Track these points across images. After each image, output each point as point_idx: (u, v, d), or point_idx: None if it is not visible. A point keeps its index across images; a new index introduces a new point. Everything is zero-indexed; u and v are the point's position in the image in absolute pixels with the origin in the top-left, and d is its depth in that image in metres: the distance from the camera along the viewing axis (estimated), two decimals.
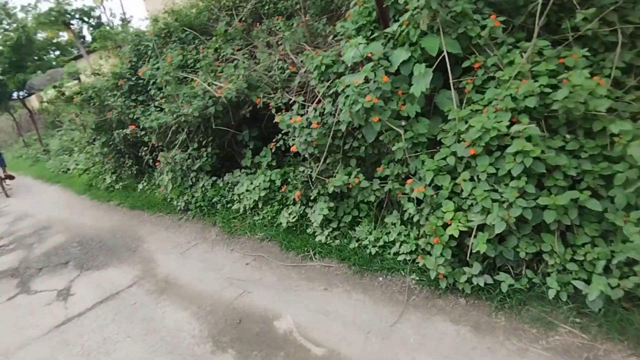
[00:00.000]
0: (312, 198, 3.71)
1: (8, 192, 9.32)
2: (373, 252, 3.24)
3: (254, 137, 4.97)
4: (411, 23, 2.89)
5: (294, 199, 3.90)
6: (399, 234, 3.17)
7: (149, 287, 3.78)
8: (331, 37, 3.97)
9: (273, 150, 4.41)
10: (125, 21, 14.32)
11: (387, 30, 3.16)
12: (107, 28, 8.91)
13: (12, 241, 5.94)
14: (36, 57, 19.49)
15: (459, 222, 2.54)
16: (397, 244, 3.15)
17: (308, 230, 3.80)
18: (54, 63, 19.06)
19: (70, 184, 8.58)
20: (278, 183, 4.26)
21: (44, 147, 13.48)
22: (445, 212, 2.63)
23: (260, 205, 4.40)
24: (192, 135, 5.14)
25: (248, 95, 4.31)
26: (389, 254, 3.19)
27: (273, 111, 3.98)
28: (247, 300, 3.26)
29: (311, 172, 3.65)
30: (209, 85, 4.45)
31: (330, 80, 3.51)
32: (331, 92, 3.39)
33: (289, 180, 4.07)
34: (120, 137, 5.59)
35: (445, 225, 2.64)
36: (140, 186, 6.28)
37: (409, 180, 2.88)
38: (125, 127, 5.75)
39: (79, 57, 16.89)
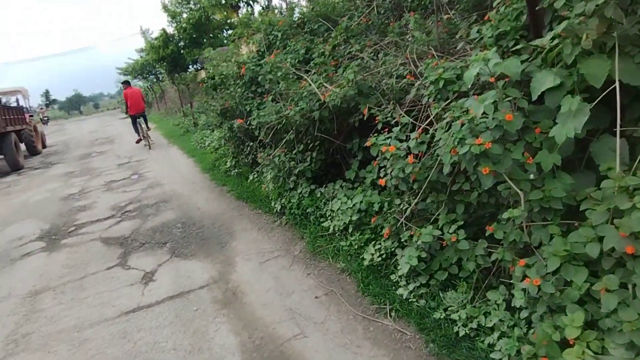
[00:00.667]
0: (402, 240, 3.12)
1: (151, 146, 12.47)
2: (462, 332, 2.54)
3: (365, 148, 4.53)
4: (569, 36, 2.07)
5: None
6: (501, 320, 2.40)
7: (216, 295, 3.70)
8: (463, 43, 3.25)
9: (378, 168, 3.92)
10: (267, 7, 14.99)
11: (536, 42, 2.37)
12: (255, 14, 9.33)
13: (137, 208, 6.65)
14: (212, 35, 21.85)
15: (588, 346, 1.72)
16: (496, 334, 2.39)
17: (392, 276, 3.23)
18: (225, 41, 21.30)
19: (202, 159, 9.37)
20: (376, 208, 3.75)
21: (194, 120, 15.13)
22: (568, 324, 1.82)
23: (350, 230, 3.96)
24: (301, 135, 4.94)
25: (358, 102, 3.87)
26: (482, 342, 2.45)
27: (379, 126, 3.47)
28: (298, 345, 2.89)
29: (407, 208, 3.06)
30: (318, 86, 4.14)
31: (448, 100, 2.85)
32: (446, 115, 2.73)
33: (384, 209, 3.53)
34: (234, 126, 5.72)
35: (565, 343, 1.84)
36: (250, 177, 6.42)
37: (522, 261, 2.10)
38: (241, 117, 5.88)
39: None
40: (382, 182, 2.77)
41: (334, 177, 4.85)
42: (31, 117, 16.39)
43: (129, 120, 13.56)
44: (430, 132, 2.73)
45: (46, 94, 79.78)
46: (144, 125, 12.69)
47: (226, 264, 4.29)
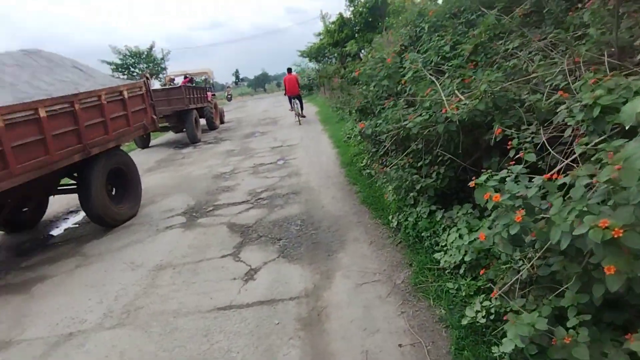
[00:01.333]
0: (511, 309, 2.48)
1: (300, 121, 15.77)
2: None
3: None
4: None
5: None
6: None
7: (302, 312, 3.60)
8: None
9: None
10: None
11: None
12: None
13: (269, 197, 7.03)
14: (386, 19, 21.74)
15: None
16: None
17: (494, 349, 2.62)
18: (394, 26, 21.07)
19: (344, 152, 9.43)
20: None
21: (350, 108, 15.35)
22: None
23: (462, 271, 3.39)
24: (431, 146, 4.44)
25: (493, 118, 3.23)
26: None
27: (511, 154, 2.81)
28: None
29: (523, 267, 2.41)
30: (449, 94, 3.59)
31: (603, 136, 2.09)
32: (595, 157, 2.00)
33: (500, 260, 2.88)
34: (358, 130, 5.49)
35: None
36: (378, 182, 6.14)
37: None
38: (371, 118, 5.60)
39: None
40: (482, 236, 2.20)
41: (463, 199, 4.24)
42: (213, 96, 18.95)
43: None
44: (563, 180, 2.04)
45: (236, 72, 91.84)
46: (297, 106, 16.22)
47: (325, 277, 4.16)
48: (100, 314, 4.05)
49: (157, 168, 11.10)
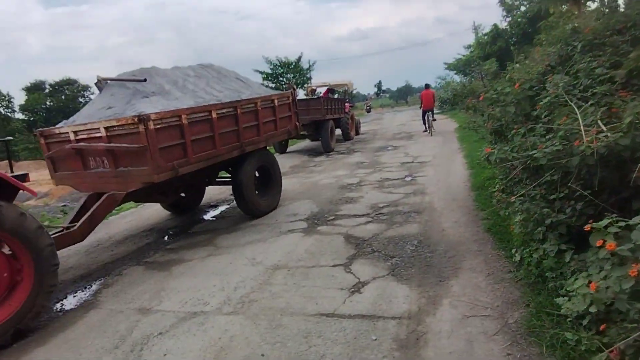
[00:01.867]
0: None
1: (432, 133, 17.59)
2: None
3: None
4: None
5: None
6: None
7: (400, 333, 3.65)
8: None
9: None
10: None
11: None
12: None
13: (390, 212, 7.13)
14: (537, 36, 20.42)
15: None
16: None
17: None
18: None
19: (478, 174, 9.04)
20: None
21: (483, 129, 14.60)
22: None
23: (585, 322, 3.09)
24: (570, 178, 4.11)
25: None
26: None
27: None
28: None
29: None
30: (591, 124, 3.31)
31: None
32: None
33: (629, 314, 2.57)
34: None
35: None
36: (501, 212, 5.81)
37: None
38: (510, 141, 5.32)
39: None
40: (592, 286, 2.02)
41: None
42: (351, 107, 19.70)
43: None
44: None
45: (378, 84, 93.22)
46: (430, 118, 18.07)
47: (431, 302, 4.13)
48: (220, 299, 4.62)
49: (289, 173, 12.00)
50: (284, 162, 13.85)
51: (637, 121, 2.80)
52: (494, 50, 31.94)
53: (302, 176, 11.34)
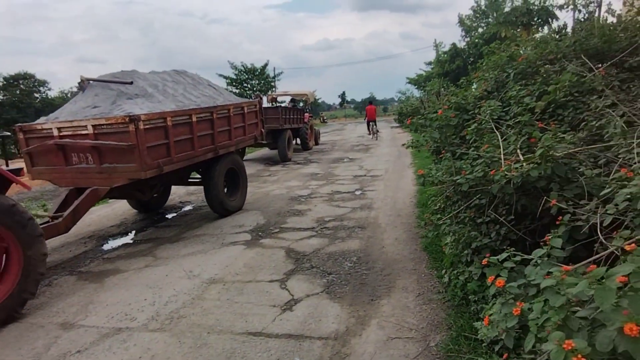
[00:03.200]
0: None
1: (377, 137, 22.43)
2: None
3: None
4: None
5: None
6: None
7: (323, 356, 3.59)
8: None
9: None
10: (564, 27, 12.78)
11: None
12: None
13: (334, 227, 7.11)
14: (479, 61, 21.26)
15: None
16: None
17: None
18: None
19: (424, 191, 9.19)
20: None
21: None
22: None
23: (497, 348, 3.13)
24: (496, 201, 4.21)
25: (552, 187, 2.99)
26: None
27: (560, 230, 2.58)
28: None
29: None
30: (511, 152, 3.40)
31: None
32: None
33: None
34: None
35: None
36: (443, 226, 5.91)
37: None
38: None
39: None
40: (485, 320, 2.04)
41: (522, 247, 3.93)
42: (311, 117, 19.74)
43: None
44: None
45: (342, 94, 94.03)
46: (375, 127, 23.31)
47: (360, 322, 4.11)
48: (149, 315, 4.43)
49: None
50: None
51: (548, 154, 2.89)
52: (452, 69, 32.86)
53: (255, 186, 11.20)
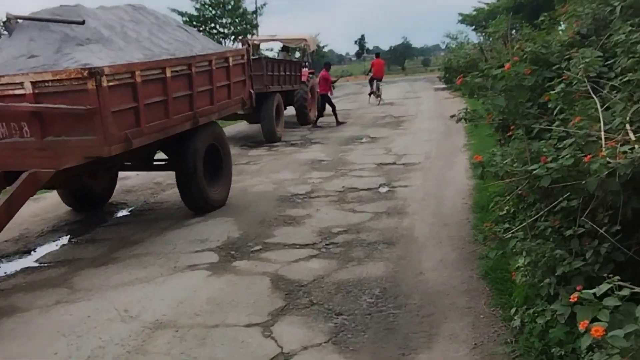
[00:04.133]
0: None
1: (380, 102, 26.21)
2: None
3: None
4: None
5: None
6: None
7: None
8: None
9: None
10: None
11: None
12: None
13: (346, 243, 7.12)
14: None
15: None
16: None
17: None
18: None
19: (482, 188, 9.14)
20: None
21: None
22: None
23: None
24: (593, 205, 4.19)
25: None
26: None
27: None
28: None
29: None
30: (617, 129, 3.37)
31: None
32: None
33: None
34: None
35: None
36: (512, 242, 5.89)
37: None
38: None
39: None
40: None
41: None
42: (311, 75, 19.72)
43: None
44: None
45: (360, 40, 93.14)
46: (376, 84, 26.25)
47: None
48: None
49: None
50: None
51: None
52: (528, 1, 32.74)
53: None
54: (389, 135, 15.98)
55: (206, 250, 7.15)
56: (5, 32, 7.37)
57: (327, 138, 16.16)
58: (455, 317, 5.09)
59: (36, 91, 6.22)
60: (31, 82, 6.20)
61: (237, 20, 37.90)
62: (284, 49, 20.44)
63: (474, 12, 45.80)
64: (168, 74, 7.38)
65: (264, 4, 41.26)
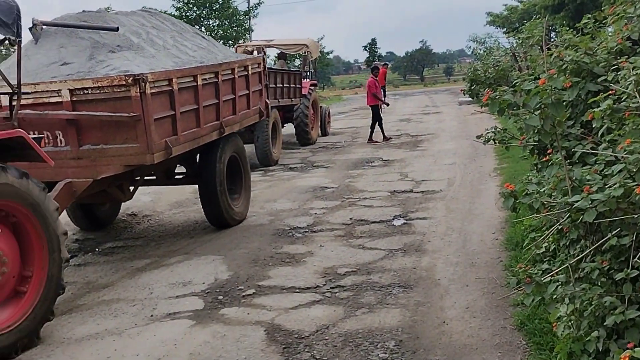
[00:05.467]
0: None
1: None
2: None
3: None
4: None
5: None
6: None
7: None
8: None
9: None
10: None
11: None
12: None
13: (355, 286, 7.08)
14: None
15: None
16: None
17: None
18: None
19: (519, 217, 9.10)
20: None
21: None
22: None
23: None
24: None
25: None
26: None
27: None
28: None
29: None
30: None
31: None
32: None
33: None
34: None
35: None
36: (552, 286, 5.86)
37: None
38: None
39: None
40: None
41: None
42: (313, 87, 19.81)
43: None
44: None
45: (370, 45, 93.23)
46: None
47: None
48: None
49: (191, 202, 11.89)
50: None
51: None
52: None
53: None
54: (405, 158, 15.99)
55: (189, 295, 7.11)
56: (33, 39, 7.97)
57: (332, 161, 16.18)
58: None
59: (74, 99, 7.00)
60: (69, 90, 6.95)
61: (226, 22, 38.20)
62: (281, 56, 20.59)
63: (506, 12, 46.16)
64: (199, 81, 8.39)
65: (259, 3, 41.52)
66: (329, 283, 7.25)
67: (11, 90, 6.37)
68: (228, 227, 9.53)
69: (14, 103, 6.21)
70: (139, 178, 9.06)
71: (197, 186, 9.75)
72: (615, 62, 5.12)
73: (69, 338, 6.14)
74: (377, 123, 19.71)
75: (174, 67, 8.11)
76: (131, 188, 9.07)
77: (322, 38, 51.78)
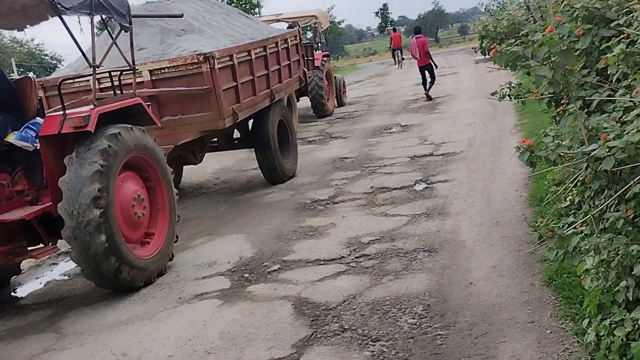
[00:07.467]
0: None
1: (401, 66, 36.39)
2: None
3: None
4: None
5: None
6: None
7: None
8: None
9: None
10: None
11: None
12: None
13: (380, 254, 7.09)
14: None
15: None
16: None
17: None
18: None
19: (540, 176, 9.00)
20: None
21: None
22: None
23: None
24: None
25: None
26: None
27: None
28: None
29: None
30: None
31: None
32: None
33: None
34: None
35: None
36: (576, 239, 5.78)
37: None
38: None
39: None
40: None
41: None
42: (326, 58, 19.68)
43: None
44: None
45: (383, 10, 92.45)
46: (399, 54, 37.78)
47: None
48: None
49: (211, 182, 11.93)
50: (206, 159, 13.71)
51: None
52: None
53: (234, 186, 11.33)
54: (423, 122, 15.89)
55: (215, 275, 7.16)
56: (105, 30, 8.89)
57: (350, 131, 16.12)
58: (515, 335, 5.02)
59: (153, 78, 8.55)
60: (149, 70, 8.50)
61: None
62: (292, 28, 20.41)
63: None
64: (252, 55, 10.00)
65: None
66: (353, 253, 7.25)
67: (130, 68, 7.75)
68: (282, 182, 10.93)
69: (128, 80, 7.87)
70: (207, 144, 10.56)
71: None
72: (627, 5, 5.00)
73: (101, 325, 6.23)
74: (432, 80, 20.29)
75: (231, 45, 9.65)
76: (200, 154, 10.56)
77: (332, 8, 51.53)
